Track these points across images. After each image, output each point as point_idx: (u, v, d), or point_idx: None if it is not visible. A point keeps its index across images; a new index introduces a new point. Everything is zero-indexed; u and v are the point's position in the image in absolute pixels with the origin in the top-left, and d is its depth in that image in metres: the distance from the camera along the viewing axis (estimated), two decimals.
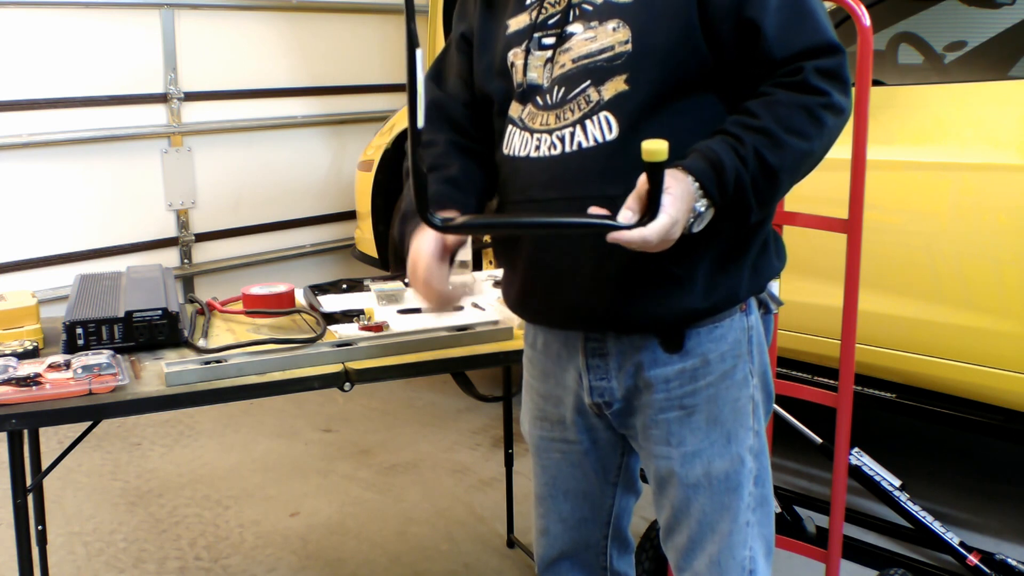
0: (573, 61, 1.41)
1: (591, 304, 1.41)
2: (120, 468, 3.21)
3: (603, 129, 1.37)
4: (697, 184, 1.26)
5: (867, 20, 1.73)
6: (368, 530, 2.77)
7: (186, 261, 4.59)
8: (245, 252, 4.82)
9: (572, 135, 1.39)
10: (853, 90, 1.51)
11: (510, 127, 1.46)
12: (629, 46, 1.36)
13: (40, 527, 2.15)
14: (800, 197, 2.18)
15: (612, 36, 1.38)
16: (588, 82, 1.39)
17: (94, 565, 2.60)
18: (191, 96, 4.46)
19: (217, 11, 4.53)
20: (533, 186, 1.42)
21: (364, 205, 3.97)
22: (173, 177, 4.48)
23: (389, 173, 3.86)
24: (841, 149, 1.85)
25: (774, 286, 1.49)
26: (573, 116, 1.40)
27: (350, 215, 5.00)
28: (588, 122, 1.38)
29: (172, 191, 4.49)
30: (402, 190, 3.77)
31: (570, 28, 1.42)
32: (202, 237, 4.64)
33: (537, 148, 1.42)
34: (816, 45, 1.32)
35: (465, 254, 2.45)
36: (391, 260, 3.88)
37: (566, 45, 1.41)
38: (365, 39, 5.08)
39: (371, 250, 4.00)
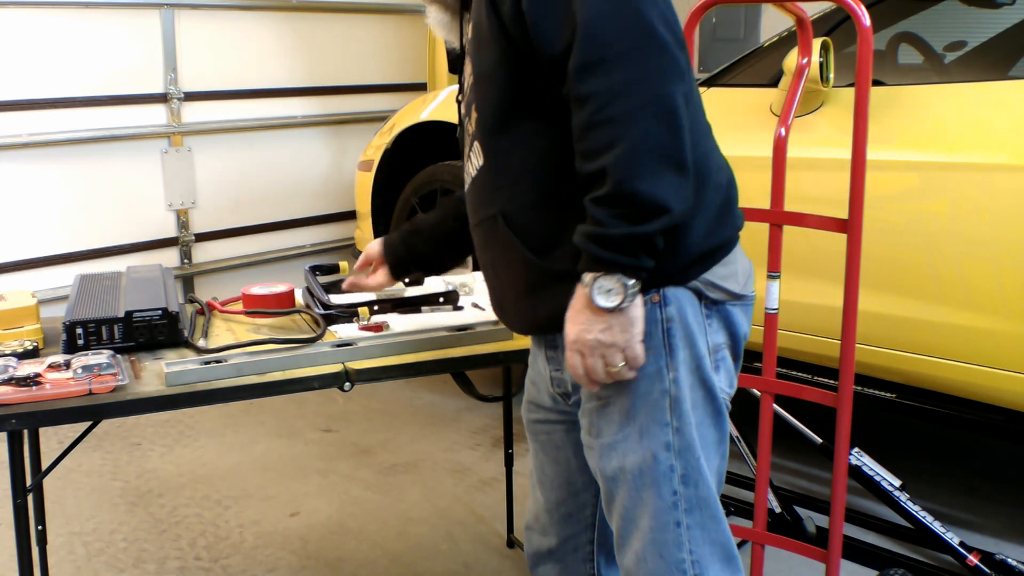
0: (466, 95, 1.51)
1: (519, 315, 1.52)
2: (120, 468, 3.21)
3: (477, 157, 1.48)
4: (586, 280, 1.28)
5: (867, 20, 1.73)
6: (368, 530, 2.77)
7: (186, 261, 4.59)
8: (245, 252, 4.82)
9: (468, 167, 1.53)
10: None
11: None
12: (472, 78, 1.45)
13: (40, 527, 2.15)
14: (800, 197, 2.19)
15: (467, 71, 1.49)
16: (468, 118, 1.50)
17: (94, 565, 2.60)
18: (191, 96, 4.46)
19: (217, 11, 4.53)
20: (469, 215, 1.56)
21: (364, 205, 3.97)
22: (173, 177, 4.48)
23: (389, 173, 3.86)
24: (841, 149, 1.85)
25: (728, 274, 1.42)
26: (467, 150, 1.52)
27: (350, 215, 5.00)
28: (472, 154, 1.50)
29: (172, 191, 4.49)
30: (401, 190, 3.77)
31: (466, 63, 1.51)
32: (202, 237, 4.64)
33: (465, 187, 1.56)
34: (576, 42, 1.26)
35: None
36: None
37: (465, 82, 1.52)
38: (365, 39, 5.08)
39: None
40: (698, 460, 1.41)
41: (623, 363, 1.32)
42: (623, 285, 1.27)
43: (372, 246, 1.92)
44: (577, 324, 1.31)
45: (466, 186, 1.55)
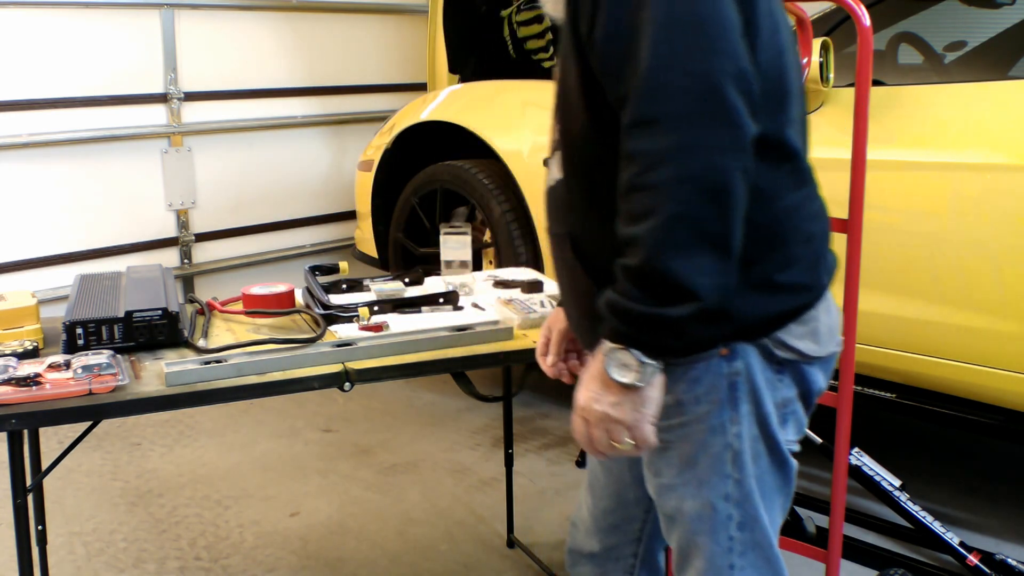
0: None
1: (578, 329, 1.48)
2: (120, 468, 3.21)
3: (558, 167, 1.40)
4: (604, 348, 1.21)
5: (867, 20, 1.73)
6: (368, 530, 2.77)
7: (186, 261, 4.59)
8: (245, 252, 4.82)
9: (550, 172, 1.44)
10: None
11: None
12: (559, 83, 1.37)
13: (40, 527, 2.15)
14: None
15: (558, 69, 1.38)
16: (555, 119, 1.41)
17: (94, 565, 2.60)
18: (191, 96, 4.46)
19: (217, 11, 4.53)
20: (546, 216, 1.49)
21: (364, 205, 3.97)
22: (173, 177, 4.48)
23: (389, 173, 3.86)
24: (841, 149, 1.85)
25: (806, 333, 1.33)
26: (551, 153, 1.44)
27: (350, 215, 5.00)
28: (553, 160, 1.42)
29: (172, 191, 4.50)
30: (401, 190, 3.77)
31: None
32: (202, 237, 4.64)
33: (547, 178, 1.47)
34: (632, 92, 1.15)
35: (465, 254, 2.46)
36: (391, 260, 3.88)
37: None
38: (365, 39, 5.08)
39: (371, 250, 4.00)
40: (756, 508, 1.37)
41: (630, 442, 1.25)
42: (640, 363, 1.19)
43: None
44: (588, 391, 1.24)
45: (547, 186, 1.47)
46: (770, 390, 1.33)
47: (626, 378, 1.19)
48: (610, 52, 1.18)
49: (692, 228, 1.12)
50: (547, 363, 1.61)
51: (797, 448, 1.42)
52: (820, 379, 1.39)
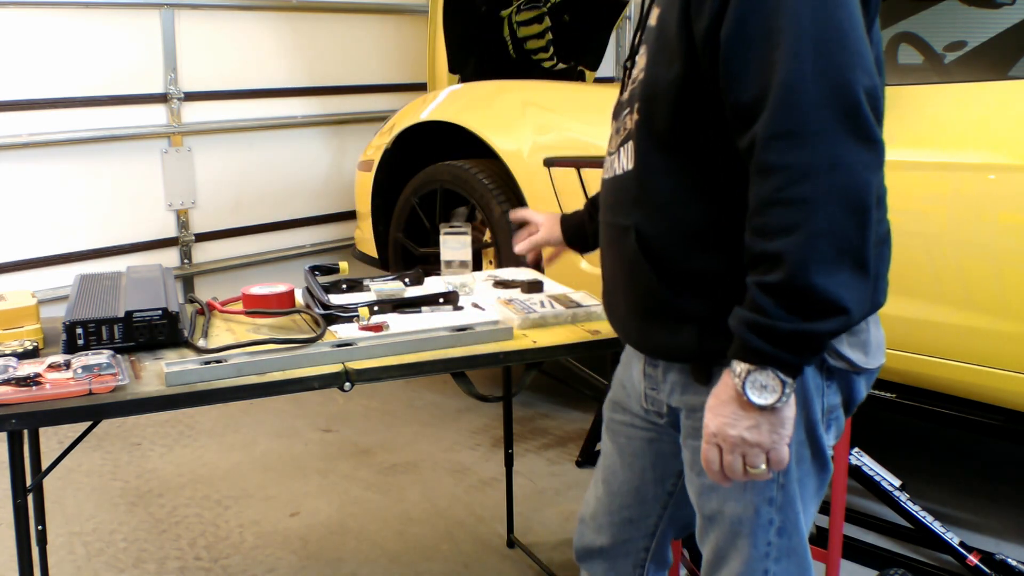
0: (631, 83, 1.39)
1: (624, 325, 1.47)
2: (120, 468, 3.21)
3: (627, 158, 1.38)
4: (738, 371, 1.19)
5: None
6: (368, 530, 2.77)
7: (186, 261, 4.59)
8: (245, 252, 4.82)
9: (615, 161, 1.42)
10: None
11: None
12: (643, 74, 1.34)
13: (40, 527, 2.15)
14: None
15: (640, 63, 1.36)
16: (628, 109, 1.39)
17: (94, 565, 2.60)
18: (191, 96, 4.46)
19: (217, 11, 4.53)
20: (602, 206, 1.49)
21: (364, 205, 3.97)
22: (173, 177, 4.48)
23: (389, 173, 3.86)
24: None
25: (857, 344, 1.35)
26: (618, 142, 1.42)
27: (350, 215, 5.00)
28: (622, 150, 1.39)
29: (172, 191, 4.50)
30: (401, 190, 3.77)
31: (640, 47, 1.39)
32: (202, 237, 4.64)
33: (607, 169, 1.46)
34: (769, 101, 1.14)
35: (465, 254, 2.46)
36: (391, 260, 3.88)
37: (634, 65, 1.40)
38: (365, 39, 5.08)
39: (371, 250, 4.00)
40: (797, 514, 1.37)
41: (764, 466, 1.22)
42: (781, 382, 1.17)
43: (541, 217, 1.92)
44: (721, 416, 1.22)
45: (605, 173, 1.46)
46: (819, 396, 1.34)
47: (767, 400, 1.18)
48: (739, 56, 1.17)
49: (836, 244, 1.12)
50: (518, 248, 1.77)
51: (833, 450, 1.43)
52: (863, 390, 1.40)
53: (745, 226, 1.19)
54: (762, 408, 1.18)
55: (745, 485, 1.35)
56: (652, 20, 1.34)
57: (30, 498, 1.72)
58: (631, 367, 1.56)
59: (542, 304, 2.03)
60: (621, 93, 1.46)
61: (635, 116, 1.35)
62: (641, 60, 1.36)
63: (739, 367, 1.19)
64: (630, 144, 1.37)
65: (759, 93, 1.15)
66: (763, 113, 1.14)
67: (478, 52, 4.17)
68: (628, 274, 1.39)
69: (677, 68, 1.25)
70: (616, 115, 1.46)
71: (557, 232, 1.87)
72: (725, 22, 1.17)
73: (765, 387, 1.17)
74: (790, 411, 1.21)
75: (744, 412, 1.20)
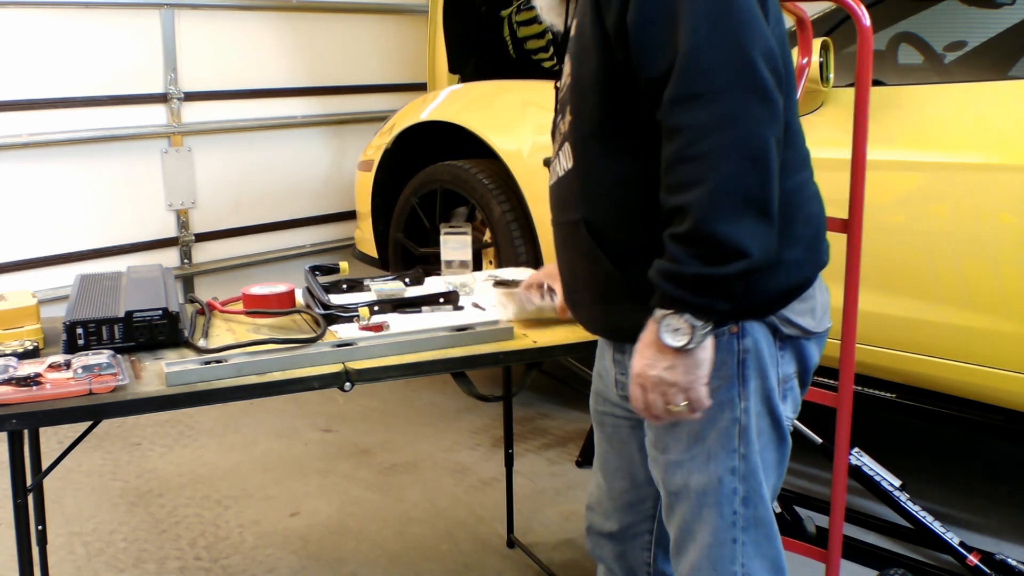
0: (562, 91, 1.49)
1: (590, 317, 1.54)
2: (120, 468, 3.21)
3: (566, 159, 1.47)
4: (656, 316, 1.27)
5: (867, 20, 1.73)
6: (368, 530, 2.77)
7: (186, 261, 4.59)
8: (245, 252, 4.82)
9: (556, 165, 1.52)
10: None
11: None
12: (570, 79, 1.43)
13: (40, 527, 2.15)
14: None
15: (566, 70, 1.46)
16: (560, 115, 1.49)
17: (94, 565, 2.60)
18: (191, 96, 4.46)
19: (217, 11, 4.53)
20: (551, 209, 1.56)
21: (364, 205, 3.97)
22: (173, 177, 4.48)
23: (389, 173, 3.86)
24: (841, 149, 1.85)
25: (806, 310, 1.42)
26: (556, 147, 1.51)
27: (350, 215, 5.00)
28: (561, 153, 1.49)
29: (172, 191, 4.50)
30: (401, 190, 3.77)
31: (566, 58, 1.49)
32: (202, 237, 4.64)
33: (551, 176, 1.54)
34: (674, 71, 1.23)
35: (465, 254, 2.46)
36: (391, 260, 3.88)
37: (562, 76, 1.50)
38: (365, 39, 5.08)
39: (371, 250, 4.00)
40: (760, 483, 1.44)
41: (684, 403, 1.31)
42: (691, 326, 1.25)
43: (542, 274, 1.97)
44: (643, 358, 1.31)
45: (551, 181, 1.54)
46: (774, 367, 1.41)
47: (678, 341, 1.26)
48: (646, 36, 1.26)
49: (738, 194, 1.20)
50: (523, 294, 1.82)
51: (792, 427, 1.49)
52: (815, 354, 1.47)
53: None
54: (676, 350, 1.27)
55: (708, 457, 1.41)
56: (572, 30, 1.44)
57: (30, 498, 1.72)
58: (603, 356, 1.61)
59: (542, 296, 2.03)
60: (555, 112, 1.56)
61: (568, 118, 1.44)
62: (566, 68, 1.46)
63: (657, 313, 1.27)
64: (567, 146, 1.45)
65: (666, 67, 1.24)
66: (669, 82, 1.23)
67: (478, 52, 4.17)
68: (586, 266, 1.46)
69: (597, 61, 1.35)
70: (553, 132, 1.57)
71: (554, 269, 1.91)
72: (630, 10, 1.27)
73: (677, 330, 1.26)
74: (704, 353, 1.29)
75: (661, 354, 1.28)
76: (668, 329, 1.26)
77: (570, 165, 1.45)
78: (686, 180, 1.21)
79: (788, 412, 1.47)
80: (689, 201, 1.21)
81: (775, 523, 1.47)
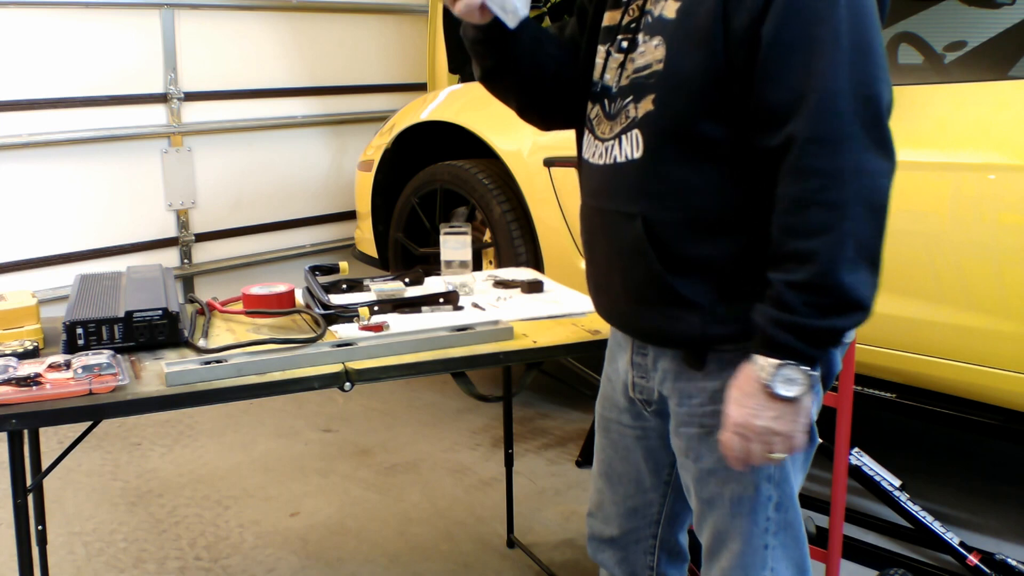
0: (634, 72, 1.41)
1: (620, 311, 1.49)
2: (120, 468, 3.21)
3: (633, 147, 1.39)
4: (765, 365, 1.25)
5: None
6: (368, 530, 2.77)
7: (186, 261, 4.59)
8: (245, 252, 4.82)
9: (613, 148, 1.43)
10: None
11: (585, 130, 1.51)
12: (662, 66, 1.35)
13: (40, 527, 2.15)
14: None
15: (653, 53, 1.38)
16: (631, 97, 1.40)
17: (94, 565, 2.60)
18: (191, 96, 4.46)
19: (217, 11, 4.53)
20: (590, 191, 1.50)
21: (364, 205, 3.97)
22: (173, 177, 4.48)
23: (389, 173, 3.86)
24: None
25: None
26: (617, 129, 1.43)
27: (350, 215, 5.00)
28: (624, 137, 1.41)
29: (172, 191, 4.50)
30: (401, 190, 3.77)
31: (640, 36, 1.40)
32: (202, 237, 4.64)
33: (596, 155, 1.47)
34: (807, 106, 1.21)
35: (465, 254, 2.46)
36: (391, 260, 3.88)
37: (632, 54, 1.41)
38: (365, 39, 5.08)
39: (371, 250, 4.00)
40: (792, 488, 1.44)
41: (783, 452, 1.29)
42: (808, 376, 1.24)
43: None
44: (745, 408, 1.27)
45: (595, 159, 1.46)
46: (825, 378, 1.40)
47: (794, 392, 1.25)
48: (779, 58, 1.23)
49: (860, 244, 1.21)
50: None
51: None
52: (839, 362, 1.47)
53: (772, 222, 1.26)
54: (786, 400, 1.25)
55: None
56: (667, 12, 1.35)
57: (30, 498, 1.72)
58: (616, 359, 1.59)
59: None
60: (602, 76, 1.46)
61: (646, 106, 1.36)
62: (651, 50, 1.36)
63: (764, 361, 1.25)
64: (635, 132, 1.38)
65: (794, 97, 1.21)
66: (798, 117, 1.21)
67: None
68: (629, 260, 1.41)
69: (706, 60, 1.28)
70: (598, 99, 1.47)
71: None
72: (766, 22, 1.23)
73: (792, 381, 1.24)
74: (808, 400, 1.27)
75: (769, 403, 1.26)
76: (783, 380, 1.24)
77: (637, 155, 1.37)
78: (816, 225, 1.20)
79: (813, 413, 1.44)
80: (816, 248, 1.20)
81: (803, 525, 1.47)
